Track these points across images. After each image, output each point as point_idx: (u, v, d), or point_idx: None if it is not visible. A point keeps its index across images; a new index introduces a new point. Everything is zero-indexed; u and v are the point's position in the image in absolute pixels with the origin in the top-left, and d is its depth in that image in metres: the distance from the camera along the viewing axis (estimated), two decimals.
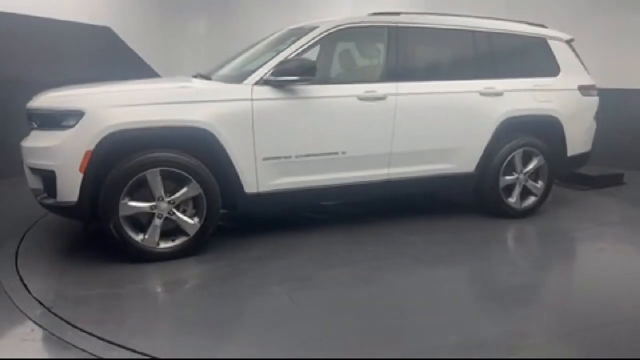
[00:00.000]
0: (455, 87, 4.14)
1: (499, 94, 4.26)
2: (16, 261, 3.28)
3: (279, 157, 3.60)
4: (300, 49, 3.70)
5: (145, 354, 2.25)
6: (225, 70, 4.05)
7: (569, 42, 4.78)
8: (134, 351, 2.27)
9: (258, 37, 4.34)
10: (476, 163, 4.27)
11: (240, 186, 3.53)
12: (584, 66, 4.83)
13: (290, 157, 3.64)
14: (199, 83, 3.74)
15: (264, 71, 3.56)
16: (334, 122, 3.74)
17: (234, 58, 4.28)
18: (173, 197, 3.34)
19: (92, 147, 3.11)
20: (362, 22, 3.97)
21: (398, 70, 3.97)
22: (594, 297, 3.02)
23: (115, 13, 7.42)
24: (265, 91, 3.53)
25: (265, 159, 3.55)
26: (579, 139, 4.72)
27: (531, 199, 4.55)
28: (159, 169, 3.26)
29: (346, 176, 3.85)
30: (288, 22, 4.10)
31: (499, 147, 4.30)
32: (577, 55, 4.79)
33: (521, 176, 4.45)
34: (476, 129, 4.20)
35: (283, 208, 4.34)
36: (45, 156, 3.19)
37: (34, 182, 3.36)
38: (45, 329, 2.46)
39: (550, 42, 4.63)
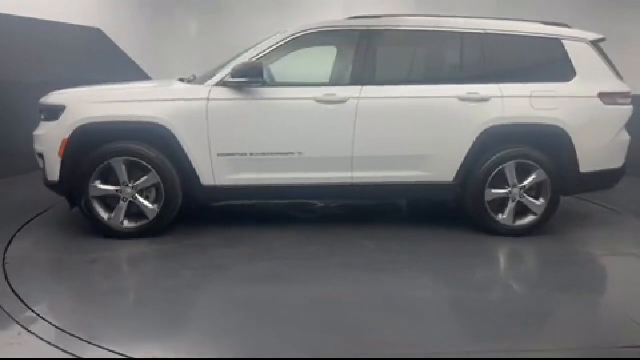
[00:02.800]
0: (429, 91, 3.95)
1: (484, 100, 3.95)
2: (16, 233, 3.95)
3: (234, 154, 3.85)
4: (264, 53, 3.91)
5: (25, 303, 2.71)
6: (212, 73, 4.37)
7: (595, 42, 4.21)
8: (27, 306, 2.74)
9: (249, 39, 4.55)
10: (455, 172, 4.01)
11: (197, 178, 3.85)
12: (614, 71, 4.20)
13: (246, 154, 3.86)
14: (173, 84, 4.13)
15: (224, 73, 3.85)
16: (290, 123, 3.86)
17: (230, 61, 4.61)
18: (135, 183, 3.80)
19: (67, 135, 3.71)
20: (333, 26, 4.02)
21: (366, 74, 3.94)
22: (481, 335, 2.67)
23: (105, 14, 7.50)
24: (223, 92, 3.81)
25: (220, 154, 3.83)
26: (597, 153, 4.13)
27: (530, 218, 4.11)
28: (122, 158, 3.75)
29: (305, 176, 3.94)
30: (278, 23, 4.28)
31: (484, 156, 3.99)
32: (604, 58, 4.19)
33: (515, 190, 4.05)
34: (453, 137, 3.95)
35: (242, 201, 4.58)
36: (39, 142, 3.89)
37: (40, 163, 4.08)
38: None
39: (567, 44, 4.11)
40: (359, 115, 3.87)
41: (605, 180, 4.28)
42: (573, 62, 4.10)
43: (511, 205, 4.07)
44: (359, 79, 3.93)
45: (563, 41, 4.12)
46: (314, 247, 3.77)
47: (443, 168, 4.01)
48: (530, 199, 4.08)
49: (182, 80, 4.10)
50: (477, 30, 4.07)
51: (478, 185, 4.01)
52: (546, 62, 4.18)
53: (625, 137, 4.27)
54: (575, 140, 4.02)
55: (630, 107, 4.22)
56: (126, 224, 3.85)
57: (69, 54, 6.71)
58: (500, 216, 4.08)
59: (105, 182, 3.81)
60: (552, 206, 4.10)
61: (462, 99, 3.94)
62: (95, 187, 3.78)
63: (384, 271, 3.37)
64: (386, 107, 3.92)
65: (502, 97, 3.97)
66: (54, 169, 3.79)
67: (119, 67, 7.48)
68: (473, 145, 3.96)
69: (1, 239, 3.75)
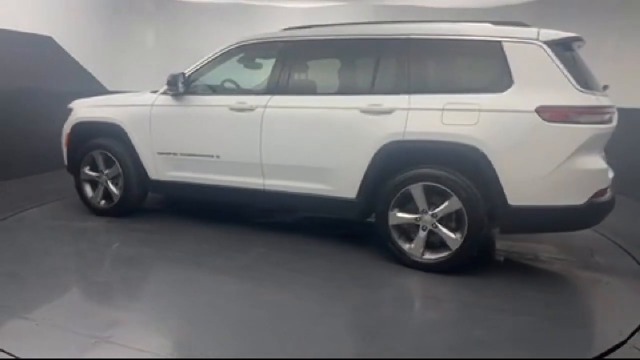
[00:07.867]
0: (330, 102, 3.76)
1: (386, 112, 3.55)
2: (36, 206, 5.14)
3: (168, 153, 4.41)
4: (201, 65, 4.34)
5: None
6: None
7: (556, 43, 3.30)
8: None
9: (207, 49, 4.53)
10: (357, 189, 3.71)
11: (145, 172, 4.54)
12: (574, 80, 3.21)
13: (177, 154, 4.37)
14: (141, 94, 4.81)
15: None
16: (209, 128, 4.20)
17: None
18: (107, 172, 4.71)
19: (69, 131, 4.86)
20: (259, 38, 4.16)
21: (280, 84, 3.98)
22: None
23: (57, 23, 7.20)
24: (163, 99, 4.41)
25: (159, 153, 4.44)
26: (534, 183, 3.25)
27: (445, 253, 3.51)
28: (99, 150, 4.70)
29: (223, 179, 4.22)
30: (239, 33, 4.49)
31: (387, 174, 3.59)
32: (567, 63, 3.25)
33: (426, 217, 3.52)
34: (351, 150, 3.66)
35: (182, 196, 5.08)
36: (62, 135, 5.15)
37: None
38: None
39: (507, 46, 3.34)
40: (264, 123, 3.96)
41: (553, 220, 3.32)
42: (512, 68, 3.32)
43: (421, 234, 3.55)
44: (273, 89, 4.01)
45: (503, 43, 3.37)
46: (207, 246, 4.01)
47: (344, 183, 3.76)
48: (445, 230, 3.48)
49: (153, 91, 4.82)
50: (399, 36, 3.66)
51: (381, 206, 3.63)
52: (476, 69, 3.50)
53: (594, 164, 3.23)
54: (497, 164, 3.27)
55: (600, 127, 3.19)
56: (102, 203, 4.80)
57: (17, 63, 6.49)
58: (407, 245, 3.60)
59: (93, 169, 4.82)
60: (469, 241, 3.41)
61: (363, 111, 3.63)
62: (84, 172, 4.82)
63: (223, 274, 3.46)
64: (288, 116, 3.89)
65: (409, 109, 3.50)
66: (64, 156, 5.00)
67: (71, 76, 7.37)
68: (372, 162, 3.61)
69: (23, 208, 5.08)
